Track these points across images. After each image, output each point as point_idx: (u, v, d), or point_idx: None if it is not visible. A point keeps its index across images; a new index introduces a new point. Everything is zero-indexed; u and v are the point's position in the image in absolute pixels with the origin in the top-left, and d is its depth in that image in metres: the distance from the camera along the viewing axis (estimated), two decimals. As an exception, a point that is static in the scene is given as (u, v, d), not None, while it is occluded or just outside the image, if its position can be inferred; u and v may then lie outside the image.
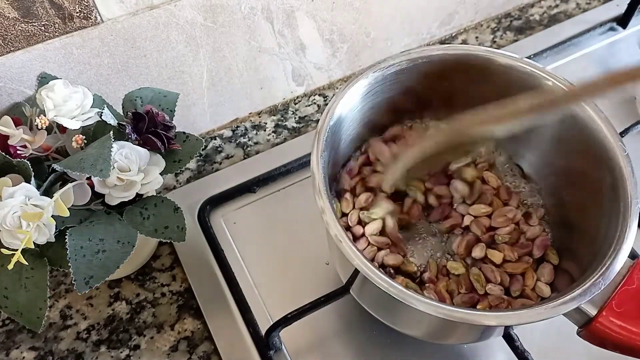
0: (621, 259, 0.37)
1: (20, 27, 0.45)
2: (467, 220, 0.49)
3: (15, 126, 0.43)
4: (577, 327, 0.39)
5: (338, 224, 0.39)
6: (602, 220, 0.42)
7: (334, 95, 0.45)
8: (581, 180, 0.46)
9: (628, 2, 0.72)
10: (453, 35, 0.74)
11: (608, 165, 0.42)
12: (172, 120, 0.48)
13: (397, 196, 0.52)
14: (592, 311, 0.38)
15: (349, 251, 0.38)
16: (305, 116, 0.67)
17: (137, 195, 0.45)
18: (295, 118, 0.67)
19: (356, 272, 0.38)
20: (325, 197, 0.40)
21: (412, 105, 0.52)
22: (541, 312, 0.36)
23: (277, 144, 0.64)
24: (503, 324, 0.38)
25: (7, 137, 0.43)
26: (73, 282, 0.41)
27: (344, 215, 0.50)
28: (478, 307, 0.45)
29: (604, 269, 0.37)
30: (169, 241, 0.52)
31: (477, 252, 0.47)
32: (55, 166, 0.41)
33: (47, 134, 0.44)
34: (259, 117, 0.67)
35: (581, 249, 0.44)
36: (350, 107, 0.46)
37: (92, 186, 0.43)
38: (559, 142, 0.48)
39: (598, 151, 0.43)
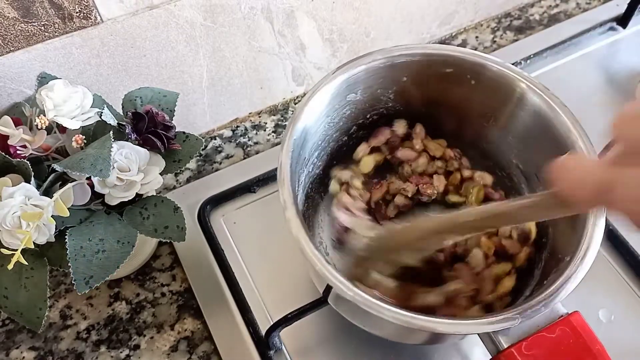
0: (548, 302, 0.36)
1: (20, 27, 0.45)
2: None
3: (15, 126, 0.43)
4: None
5: (302, 225, 0.39)
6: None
7: (311, 90, 0.45)
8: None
9: (628, 2, 0.72)
10: (453, 35, 0.74)
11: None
12: (172, 120, 0.48)
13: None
14: (504, 344, 0.37)
15: (310, 253, 0.38)
16: (305, 116, 0.67)
17: (137, 195, 0.45)
18: (295, 118, 0.67)
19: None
20: (289, 189, 0.40)
21: (379, 109, 0.52)
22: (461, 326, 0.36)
23: (277, 144, 0.64)
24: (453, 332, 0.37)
25: (7, 137, 0.43)
26: (73, 282, 0.41)
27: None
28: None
29: (528, 307, 0.36)
30: (169, 241, 0.52)
31: None
32: (55, 166, 0.41)
33: (47, 134, 0.44)
34: (259, 117, 0.67)
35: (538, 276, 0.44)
36: (318, 112, 0.46)
37: (92, 186, 0.43)
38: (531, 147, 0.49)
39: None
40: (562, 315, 0.38)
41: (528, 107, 0.46)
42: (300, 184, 0.48)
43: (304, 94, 0.68)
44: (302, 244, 0.38)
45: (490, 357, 0.39)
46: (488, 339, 0.38)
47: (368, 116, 0.52)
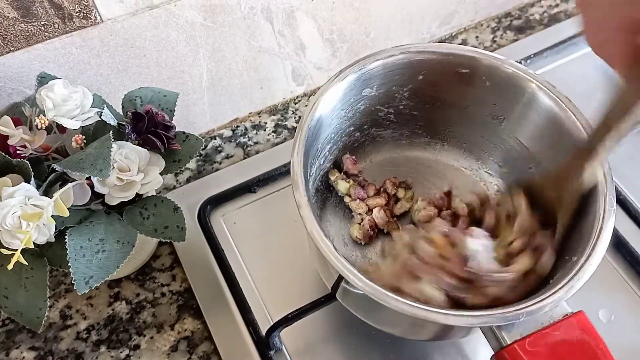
0: (553, 301, 0.37)
1: (20, 27, 0.45)
2: None
3: (15, 126, 0.43)
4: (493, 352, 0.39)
5: (315, 220, 0.39)
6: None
7: (320, 88, 0.46)
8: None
9: (628, 2, 0.72)
10: (453, 34, 0.74)
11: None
12: (172, 120, 0.48)
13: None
14: (507, 340, 0.37)
15: (323, 246, 0.38)
16: (305, 116, 0.67)
17: (137, 195, 0.45)
18: (295, 118, 0.67)
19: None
20: (303, 190, 0.40)
21: (393, 106, 0.52)
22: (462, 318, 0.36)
23: (277, 144, 0.64)
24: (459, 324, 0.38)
25: (6, 137, 0.43)
26: (73, 282, 0.41)
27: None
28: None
29: (533, 304, 0.36)
30: (169, 241, 0.52)
31: None
32: (55, 166, 0.41)
33: (47, 134, 0.44)
34: (259, 117, 0.67)
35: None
36: (332, 104, 0.46)
37: (91, 186, 0.43)
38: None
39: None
40: (566, 314, 0.38)
41: (538, 107, 0.46)
42: (311, 176, 0.48)
43: (304, 94, 0.68)
44: (315, 237, 0.39)
45: (494, 352, 0.39)
46: (491, 334, 0.38)
47: (382, 113, 0.52)
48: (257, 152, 0.64)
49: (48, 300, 0.43)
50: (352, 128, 0.52)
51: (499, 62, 0.47)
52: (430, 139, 0.55)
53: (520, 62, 0.69)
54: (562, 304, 0.37)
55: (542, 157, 0.49)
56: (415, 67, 0.49)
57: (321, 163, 0.51)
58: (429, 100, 0.51)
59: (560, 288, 0.37)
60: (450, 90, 0.50)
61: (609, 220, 0.40)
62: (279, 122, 0.66)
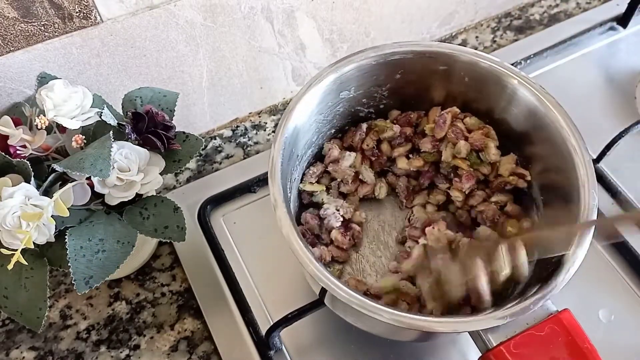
0: (537, 300, 0.37)
1: (20, 27, 0.45)
2: None
3: (15, 126, 0.43)
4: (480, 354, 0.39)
5: (293, 225, 0.39)
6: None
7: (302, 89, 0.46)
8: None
9: (628, 2, 0.72)
10: (453, 35, 0.74)
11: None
12: (172, 120, 0.48)
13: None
14: (493, 342, 0.37)
15: (301, 253, 0.38)
16: (305, 116, 0.67)
17: (137, 195, 0.45)
18: (295, 118, 0.67)
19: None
20: (279, 188, 0.40)
21: (373, 106, 0.52)
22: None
23: (277, 144, 0.64)
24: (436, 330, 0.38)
25: (6, 137, 0.43)
26: (73, 282, 0.41)
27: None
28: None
29: (516, 307, 0.36)
30: (169, 241, 0.52)
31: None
32: (55, 166, 0.41)
33: (47, 134, 0.44)
34: (259, 117, 0.67)
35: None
36: (310, 110, 0.46)
37: (92, 186, 0.43)
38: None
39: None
40: (551, 313, 0.38)
41: (520, 103, 0.46)
42: (293, 182, 0.48)
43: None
44: (293, 245, 0.38)
45: (481, 355, 0.39)
46: (478, 336, 0.38)
47: (362, 114, 0.52)
48: (257, 152, 0.64)
49: (48, 300, 0.43)
50: (333, 130, 0.52)
51: (477, 58, 0.47)
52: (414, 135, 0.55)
53: (520, 63, 0.70)
54: (547, 303, 0.37)
55: (528, 151, 0.49)
56: (391, 67, 0.48)
57: (303, 167, 0.51)
58: (409, 97, 0.51)
59: (544, 288, 0.37)
60: (429, 87, 0.50)
61: (591, 217, 0.40)
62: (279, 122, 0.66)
